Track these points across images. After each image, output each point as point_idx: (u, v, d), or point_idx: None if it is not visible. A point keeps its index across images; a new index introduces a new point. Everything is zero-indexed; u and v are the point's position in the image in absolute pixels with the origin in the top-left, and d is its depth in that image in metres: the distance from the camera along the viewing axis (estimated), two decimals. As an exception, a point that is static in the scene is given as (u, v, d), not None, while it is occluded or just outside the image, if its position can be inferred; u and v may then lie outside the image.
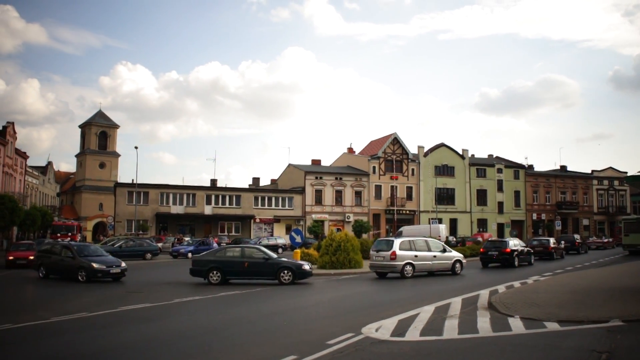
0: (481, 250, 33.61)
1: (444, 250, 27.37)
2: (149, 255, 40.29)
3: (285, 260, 24.11)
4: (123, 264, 24.96)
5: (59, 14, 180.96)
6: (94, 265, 23.84)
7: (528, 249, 34.92)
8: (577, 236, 53.25)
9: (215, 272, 22.84)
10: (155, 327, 12.89)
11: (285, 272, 22.78)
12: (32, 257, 30.62)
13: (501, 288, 19.75)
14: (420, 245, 26.49)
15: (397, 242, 25.94)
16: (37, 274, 25.90)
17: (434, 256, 26.40)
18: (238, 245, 29.95)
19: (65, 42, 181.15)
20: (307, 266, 23.57)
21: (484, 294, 17.88)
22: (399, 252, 25.15)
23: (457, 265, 27.08)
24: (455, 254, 27.75)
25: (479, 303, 15.92)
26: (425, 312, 14.16)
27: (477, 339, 10.90)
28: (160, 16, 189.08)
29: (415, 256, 25.57)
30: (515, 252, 32.01)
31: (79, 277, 23.71)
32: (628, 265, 29.35)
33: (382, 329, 11.86)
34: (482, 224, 77.40)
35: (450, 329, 11.83)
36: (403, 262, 25.09)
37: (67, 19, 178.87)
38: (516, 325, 12.02)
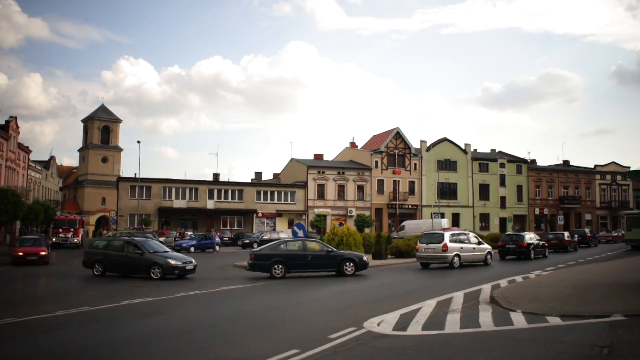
0: (499, 243, 34.94)
1: (480, 243, 29.53)
2: None
3: (347, 252, 25.16)
4: (194, 261, 23.83)
5: (61, 8, 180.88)
6: (171, 262, 22.79)
7: (542, 242, 36.37)
8: (587, 230, 57.40)
9: (278, 266, 23.01)
10: (157, 321, 12.94)
11: (349, 263, 23.71)
12: (43, 253, 30.67)
13: (503, 282, 19.76)
14: (463, 238, 28.67)
15: (447, 235, 27.88)
16: (90, 272, 24.05)
17: (474, 248, 28.53)
18: (299, 238, 28.05)
19: (67, 36, 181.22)
20: (366, 257, 24.72)
21: (486, 289, 17.89)
22: (449, 245, 27.04)
23: (489, 256, 29.18)
24: (487, 246, 29.92)
25: (481, 297, 15.94)
26: (427, 307, 14.18)
27: (479, 333, 10.92)
28: (162, 11, 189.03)
29: (461, 248, 27.66)
30: (532, 245, 33.58)
31: (152, 274, 22.50)
32: (630, 260, 29.35)
33: (384, 324, 11.89)
34: (485, 218, 77.35)
35: (452, 324, 11.85)
36: (452, 254, 26.99)
37: (69, 14, 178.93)
38: (518, 319, 12.04)
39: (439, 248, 26.95)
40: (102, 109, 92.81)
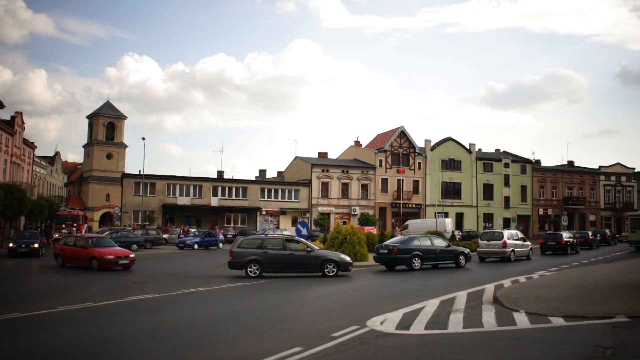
0: (541, 241, 41.37)
1: (525, 240, 34.37)
2: (134, 247, 38.06)
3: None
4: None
5: (65, 4, 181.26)
6: (346, 258, 23.30)
7: (575, 240, 42.09)
8: (607, 230, 63.20)
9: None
10: (159, 318, 12.95)
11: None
12: (132, 256, 26.48)
13: (506, 282, 19.73)
14: (515, 236, 33.45)
15: (505, 233, 33.04)
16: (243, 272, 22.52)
17: (522, 244, 33.28)
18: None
19: (72, 32, 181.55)
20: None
21: (489, 288, 17.86)
22: (508, 242, 31.72)
23: (531, 252, 33.97)
24: (529, 243, 34.74)
25: (484, 297, 15.91)
26: (431, 306, 14.17)
27: (482, 333, 10.91)
28: (166, 8, 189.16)
29: (515, 244, 32.26)
30: (569, 243, 39.42)
31: (327, 272, 22.39)
32: (634, 262, 29.26)
33: (387, 322, 11.89)
34: (488, 218, 77.26)
35: (455, 323, 11.84)
36: (510, 249, 31.58)
37: (73, 10, 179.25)
38: (521, 320, 12.01)
39: (499, 244, 31.52)
40: (107, 105, 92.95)
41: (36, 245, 34.33)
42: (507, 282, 19.81)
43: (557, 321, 11.75)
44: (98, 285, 19.78)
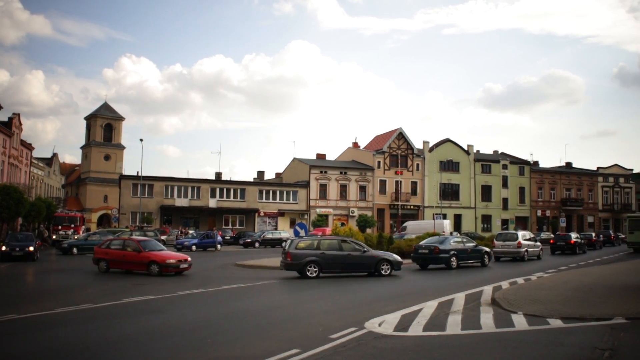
0: (551, 241, 43.42)
1: (536, 241, 36.40)
2: None
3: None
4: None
5: (63, 5, 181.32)
6: (398, 258, 24.80)
7: (583, 241, 44.05)
8: (611, 232, 65.73)
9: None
10: (157, 319, 12.94)
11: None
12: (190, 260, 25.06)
13: (504, 284, 19.72)
14: (528, 237, 35.65)
15: (520, 234, 34.92)
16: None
17: (534, 245, 35.32)
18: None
19: (69, 34, 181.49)
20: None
21: (488, 290, 17.86)
22: (522, 242, 33.71)
23: (541, 252, 36.27)
24: (539, 244, 36.72)
25: (482, 299, 15.91)
26: (429, 308, 14.16)
27: (480, 334, 10.91)
28: (164, 9, 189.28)
29: (528, 245, 34.27)
30: (577, 243, 41.77)
31: (382, 271, 23.42)
32: (632, 263, 29.28)
33: (385, 324, 11.88)
34: (487, 220, 77.34)
35: (453, 325, 11.84)
36: (524, 249, 33.46)
37: (71, 11, 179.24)
38: (519, 321, 12.01)
39: (514, 245, 33.58)
40: (105, 106, 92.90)
41: (31, 249, 32.04)
42: (505, 284, 19.80)
43: (555, 323, 11.75)
44: (96, 286, 19.76)
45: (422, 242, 29.79)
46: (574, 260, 33.60)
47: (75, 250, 37.68)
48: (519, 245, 33.43)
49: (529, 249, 33.89)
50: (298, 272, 22.73)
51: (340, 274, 23.25)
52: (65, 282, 21.61)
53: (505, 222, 77.44)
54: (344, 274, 23.38)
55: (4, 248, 32.05)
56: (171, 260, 23.76)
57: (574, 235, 44.07)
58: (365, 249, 24.03)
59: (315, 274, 22.40)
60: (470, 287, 18.71)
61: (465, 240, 30.41)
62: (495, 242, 35.23)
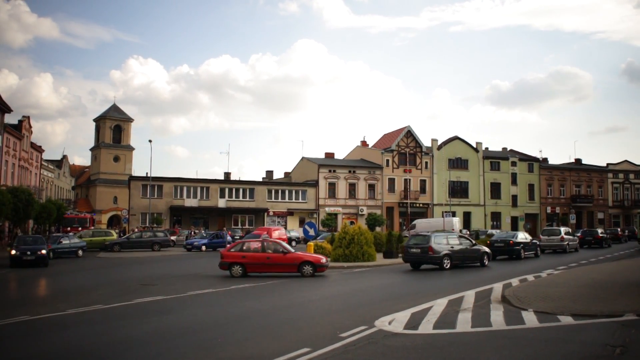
0: (580, 236, 45.43)
1: (573, 235, 42.17)
2: (80, 252, 37.47)
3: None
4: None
5: (70, 8, 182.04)
6: (488, 250, 28.75)
7: (609, 235, 49.18)
8: (635, 227, 68.00)
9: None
10: (168, 319, 13.00)
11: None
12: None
13: (514, 281, 19.67)
14: (568, 232, 41.17)
15: (562, 230, 40.58)
16: None
17: (572, 239, 40.10)
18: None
19: (76, 36, 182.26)
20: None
21: (498, 288, 17.81)
22: (565, 236, 38.76)
23: (577, 245, 40.82)
24: (576, 238, 41.68)
25: (493, 296, 15.87)
26: (439, 306, 14.15)
27: (491, 332, 10.89)
28: (170, 10, 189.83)
29: (569, 239, 39.09)
30: (604, 237, 46.11)
31: (484, 262, 27.25)
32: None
33: (395, 322, 11.88)
34: (496, 217, 77.03)
35: (464, 322, 11.82)
36: (566, 242, 38.40)
37: (78, 14, 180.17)
38: (530, 318, 11.99)
39: (558, 239, 38.48)
40: (114, 108, 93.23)
41: (44, 252, 29.67)
42: (515, 281, 19.75)
43: (566, 320, 11.72)
44: (107, 287, 19.85)
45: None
46: (600, 253, 37.49)
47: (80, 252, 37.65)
48: (562, 239, 38.35)
49: (570, 242, 38.80)
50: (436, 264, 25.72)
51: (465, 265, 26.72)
52: (75, 283, 21.73)
53: (514, 220, 77.09)
54: (466, 264, 26.85)
55: (13, 252, 29.43)
56: (323, 260, 23.57)
57: (600, 231, 48.89)
58: (474, 243, 28.21)
59: (448, 266, 25.56)
60: (479, 285, 18.68)
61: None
62: (541, 236, 39.90)
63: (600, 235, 46.26)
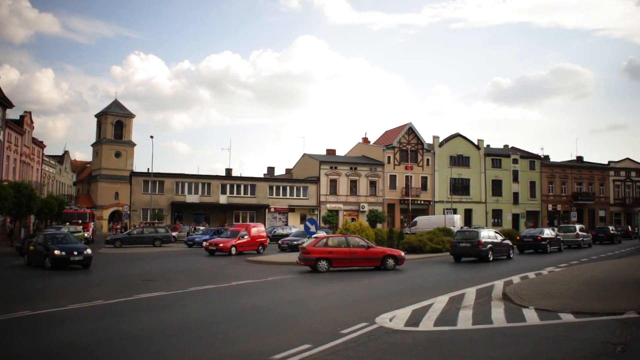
0: (593, 233, 48.75)
1: (587, 232, 44.92)
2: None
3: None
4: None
5: (71, 3, 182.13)
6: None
7: (620, 232, 52.60)
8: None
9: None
10: (170, 315, 13.00)
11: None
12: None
13: (515, 279, 19.67)
14: (581, 229, 43.16)
15: (577, 227, 43.08)
16: None
17: (586, 235, 42.96)
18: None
19: (77, 32, 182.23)
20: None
21: (499, 285, 17.82)
22: (579, 233, 41.69)
23: (591, 241, 44.26)
24: (590, 234, 45.30)
25: (494, 294, 15.88)
26: (440, 303, 14.15)
27: (491, 329, 10.89)
28: (171, 6, 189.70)
29: (583, 235, 42.04)
30: (615, 234, 49.58)
31: (490, 258, 28.72)
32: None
33: (396, 319, 11.88)
34: (497, 214, 76.98)
35: (465, 320, 11.83)
36: (581, 238, 41.15)
37: (79, 9, 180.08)
38: (530, 316, 11.99)
39: (573, 235, 41.08)
40: (116, 104, 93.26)
41: (89, 251, 25.60)
42: (516, 279, 19.75)
43: (567, 317, 11.71)
44: (107, 284, 19.86)
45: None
46: (611, 249, 40.06)
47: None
48: (577, 236, 40.99)
49: (584, 239, 41.63)
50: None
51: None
52: (77, 279, 21.71)
53: (515, 217, 77.06)
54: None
55: (57, 252, 24.63)
56: (403, 254, 25.39)
57: (611, 228, 52.46)
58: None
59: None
60: (481, 282, 18.68)
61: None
62: (558, 232, 41.55)
63: (612, 232, 49.57)
